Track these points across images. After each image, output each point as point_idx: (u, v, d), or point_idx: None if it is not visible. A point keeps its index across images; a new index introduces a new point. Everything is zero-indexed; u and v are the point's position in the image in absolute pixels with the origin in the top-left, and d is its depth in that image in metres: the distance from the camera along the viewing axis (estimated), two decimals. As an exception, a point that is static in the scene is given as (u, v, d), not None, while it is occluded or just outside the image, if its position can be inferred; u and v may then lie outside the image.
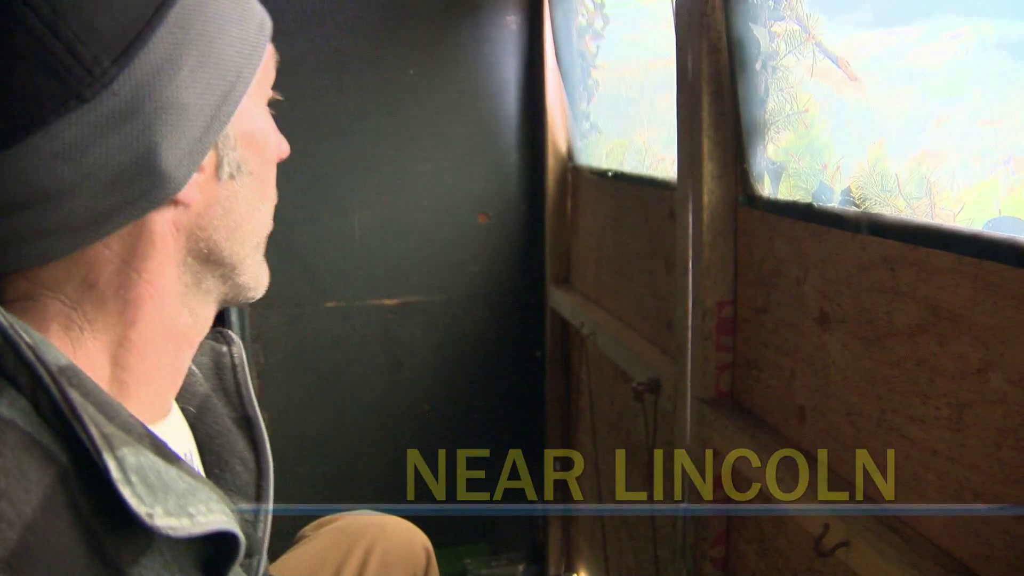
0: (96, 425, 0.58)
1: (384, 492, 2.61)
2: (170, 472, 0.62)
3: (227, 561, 0.68)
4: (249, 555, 0.79)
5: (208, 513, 0.62)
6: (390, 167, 2.48)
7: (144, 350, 0.69)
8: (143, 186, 0.63)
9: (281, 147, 0.81)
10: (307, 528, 1.36)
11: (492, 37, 2.50)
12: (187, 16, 0.63)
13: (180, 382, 0.77)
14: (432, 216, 2.53)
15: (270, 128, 0.76)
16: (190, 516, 0.61)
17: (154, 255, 0.67)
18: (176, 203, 0.67)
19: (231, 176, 0.70)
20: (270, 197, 0.77)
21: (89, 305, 0.66)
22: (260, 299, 2.40)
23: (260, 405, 2.44)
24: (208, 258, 0.71)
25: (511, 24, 2.50)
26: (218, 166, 0.69)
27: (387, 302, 2.55)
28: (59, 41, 0.58)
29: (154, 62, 0.61)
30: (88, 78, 0.59)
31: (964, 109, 1.03)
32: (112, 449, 0.58)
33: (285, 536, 1.40)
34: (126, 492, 0.57)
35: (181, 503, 0.61)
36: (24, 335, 0.59)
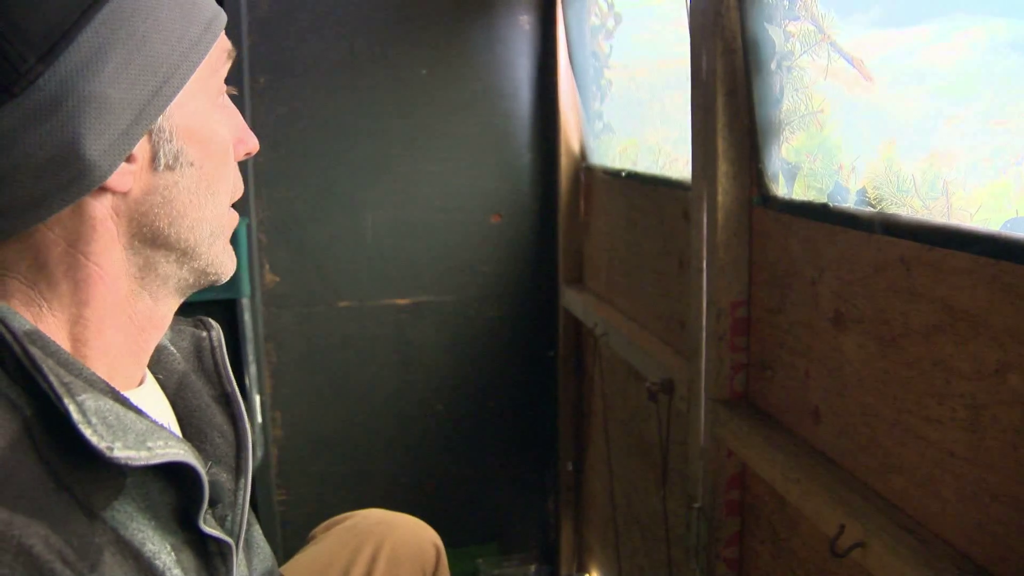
0: (56, 376, 0.64)
1: (396, 490, 2.62)
2: (129, 415, 0.67)
3: (196, 504, 0.73)
4: (216, 503, 0.82)
5: (166, 447, 0.68)
6: (402, 167, 2.49)
7: (102, 327, 0.74)
8: (70, 173, 0.67)
9: (247, 143, 0.85)
10: (318, 529, 1.37)
11: (505, 37, 2.50)
12: (116, 17, 0.67)
13: (145, 361, 0.82)
14: (444, 216, 2.53)
15: (221, 123, 0.79)
16: (148, 449, 0.66)
17: (96, 239, 0.71)
18: (110, 190, 0.70)
19: (168, 167, 0.73)
20: (222, 189, 0.80)
21: (43, 285, 0.71)
22: (273, 298, 2.42)
23: (272, 403, 2.45)
24: (154, 242, 0.75)
25: (524, 24, 2.50)
26: (153, 157, 0.72)
27: (399, 302, 2.55)
28: None
29: (79, 59, 0.65)
30: (15, 75, 0.63)
31: (975, 109, 1.02)
32: (72, 395, 0.64)
33: (300, 537, 1.40)
34: (87, 432, 0.63)
35: (140, 439, 0.66)
36: None
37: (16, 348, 0.64)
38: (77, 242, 0.71)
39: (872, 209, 1.11)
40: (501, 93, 2.52)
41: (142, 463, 0.65)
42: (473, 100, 2.51)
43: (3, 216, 0.67)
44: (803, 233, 1.25)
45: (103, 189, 0.70)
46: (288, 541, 2.48)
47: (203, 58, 0.75)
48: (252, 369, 2.35)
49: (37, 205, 0.67)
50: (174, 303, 0.81)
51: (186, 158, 0.74)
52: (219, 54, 0.78)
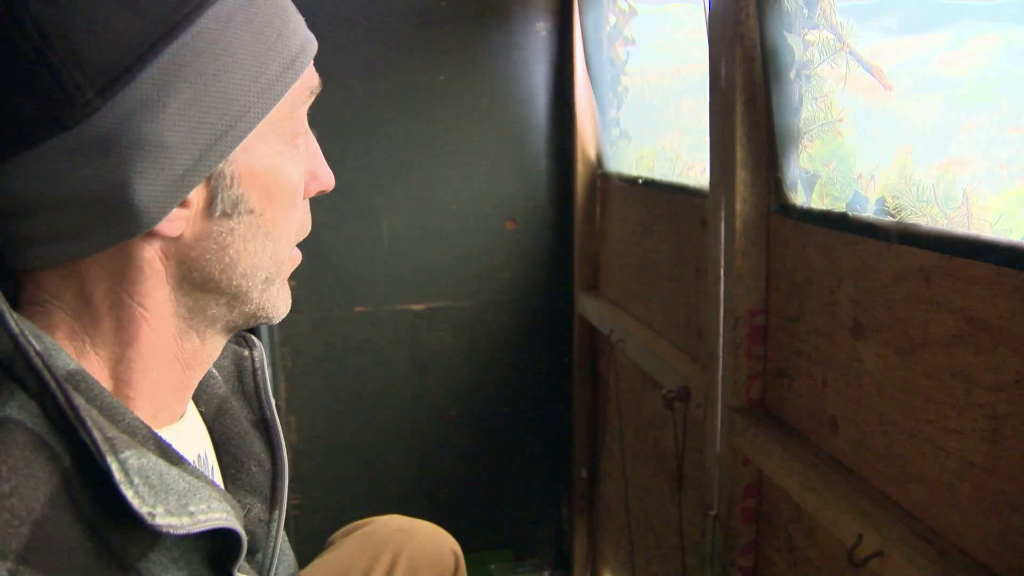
0: (100, 429, 0.61)
1: (411, 496, 2.62)
2: (171, 473, 0.64)
3: (232, 558, 0.70)
4: (252, 552, 0.81)
5: (208, 511, 0.65)
6: (419, 172, 2.50)
7: (147, 369, 0.71)
8: (116, 217, 0.63)
9: (321, 179, 0.80)
10: (337, 534, 1.37)
11: (522, 43, 2.50)
12: (186, 54, 0.63)
13: (189, 396, 0.79)
14: (460, 222, 2.53)
15: (293, 164, 0.74)
16: (190, 514, 0.63)
17: (143, 280, 0.68)
18: (158, 235, 0.67)
19: (225, 214, 0.69)
20: (285, 233, 0.76)
21: (88, 319, 0.68)
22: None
23: (287, 408, 2.45)
24: (204, 287, 0.72)
25: (541, 30, 2.51)
26: (210, 202, 0.68)
27: (415, 307, 2.56)
28: (46, 69, 0.59)
29: (139, 98, 0.61)
30: (70, 108, 0.60)
31: (991, 116, 1.02)
32: (115, 452, 0.61)
33: (315, 542, 1.41)
34: (128, 493, 0.60)
35: (182, 502, 0.63)
36: (34, 342, 0.62)
37: (59, 396, 0.60)
38: (122, 281, 0.68)
39: (891, 218, 1.11)
40: (518, 99, 2.53)
41: (183, 532, 0.62)
42: (490, 106, 2.51)
43: (48, 244, 0.65)
44: (822, 242, 1.25)
45: (151, 233, 0.66)
46: (302, 545, 2.47)
47: (279, 99, 0.70)
48: (267, 376, 2.35)
49: (78, 240, 0.64)
50: (221, 341, 0.78)
51: (246, 205, 0.70)
52: (300, 92, 0.73)
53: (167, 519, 0.61)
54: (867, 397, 1.16)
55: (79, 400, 0.61)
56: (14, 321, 0.62)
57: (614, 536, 2.46)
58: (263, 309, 0.77)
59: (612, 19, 2.25)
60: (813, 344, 1.29)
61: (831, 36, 1.23)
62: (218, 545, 0.70)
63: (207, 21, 0.64)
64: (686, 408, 1.71)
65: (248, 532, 0.74)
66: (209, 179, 0.67)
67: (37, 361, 0.61)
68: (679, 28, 1.97)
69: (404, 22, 2.42)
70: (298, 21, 0.73)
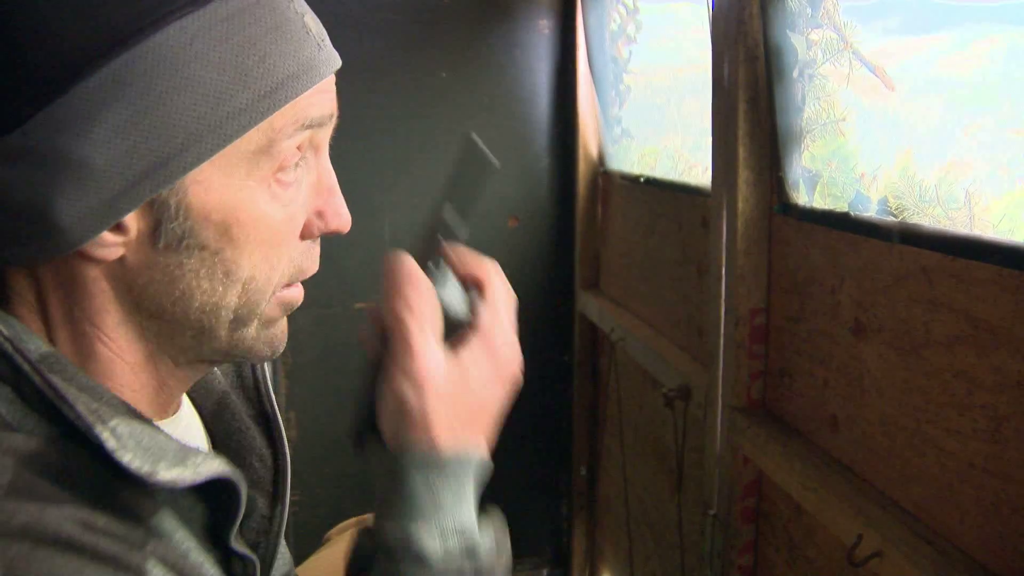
0: (83, 403, 0.59)
1: (410, 494, 2.62)
2: (159, 437, 0.62)
3: (229, 523, 0.68)
4: (255, 547, 0.79)
5: (205, 463, 0.62)
6: (421, 170, 2.49)
7: (113, 386, 0.66)
8: (39, 231, 0.60)
9: (329, 220, 0.74)
10: (332, 531, 1.36)
11: (524, 41, 2.50)
12: (132, 69, 0.58)
13: (171, 404, 0.75)
14: (462, 219, 2.53)
15: (271, 202, 0.66)
16: (190, 466, 0.61)
17: (90, 300, 0.64)
18: (91, 257, 0.62)
19: (170, 247, 0.63)
20: (255, 276, 0.67)
21: (48, 326, 0.65)
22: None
23: (287, 404, 2.43)
24: (161, 316, 0.66)
25: (544, 28, 2.50)
26: (153, 231, 0.62)
27: (416, 304, 2.55)
28: None
29: (69, 113, 0.57)
30: (4, 114, 0.57)
31: (993, 118, 1.02)
32: (103, 422, 0.58)
33: (313, 539, 1.41)
34: (126, 457, 0.57)
35: (179, 457, 0.61)
36: (2, 327, 0.60)
37: (35, 377, 0.58)
38: (71, 295, 0.64)
39: (893, 219, 1.11)
40: (520, 97, 2.52)
41: (188, 483, 0.60)
42: (492, 104, 2.51)
43: None
44: (824, 242, 1.25)
45: (86, 254, 0.61)
46: (300, 542, 2.48)
47: (245, 130, 0.62)
48: (267, 370, 2.35)
49: (20, 247, 0.61)
50: (200, 369, 0.73)
51: (196, 240, 0.63)
52: (287, 123, 0.65)
53: (169, 473, 0.59)
54: (868, 397, 1.16)
55: (56, 379, 0.59)
56: None
57: (613, 534, 2.46)
58: (237, 349, 0.70)
59: (615, 18, 2.25)
60: (814, 344, 1.29)
61: (834, 36, 1.22)
62: (213, 515, 0.68)
63: (166, 37, 0.59)
64: (686, 407, 1.71)
65: (251, 528, 0.73)
66: (153, 206, 0.62)
67: (7, 345, 0.59)
68: (682, 27, 1.96)
69: (407, 20, 2.42)
70: (301, 43, 0.66)
